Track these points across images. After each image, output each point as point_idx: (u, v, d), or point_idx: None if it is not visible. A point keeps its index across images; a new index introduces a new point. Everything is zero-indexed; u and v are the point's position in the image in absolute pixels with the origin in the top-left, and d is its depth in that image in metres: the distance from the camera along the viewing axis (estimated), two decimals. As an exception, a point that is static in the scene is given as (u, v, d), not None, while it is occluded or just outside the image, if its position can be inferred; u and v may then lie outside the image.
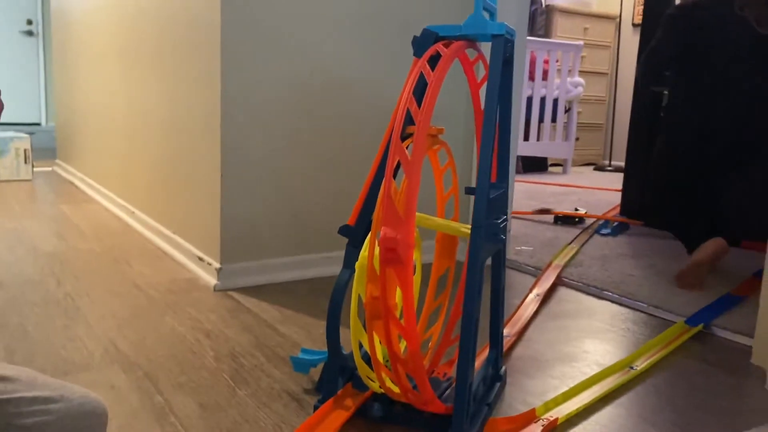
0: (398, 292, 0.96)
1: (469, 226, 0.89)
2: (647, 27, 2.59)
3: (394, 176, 0.90)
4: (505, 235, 1.02)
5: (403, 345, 0.93)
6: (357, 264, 0.94)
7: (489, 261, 1.01)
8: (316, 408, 0.97)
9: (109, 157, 2.68)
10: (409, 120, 0.95)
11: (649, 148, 2.59)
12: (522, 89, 4.43)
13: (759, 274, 1.85)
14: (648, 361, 1.21)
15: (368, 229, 0.99)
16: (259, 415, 0.98)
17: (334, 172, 1.75)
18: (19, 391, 0.72)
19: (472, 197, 1.00)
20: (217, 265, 1.61)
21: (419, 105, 0.83)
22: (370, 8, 1.74)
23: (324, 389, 1.00)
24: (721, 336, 1.39)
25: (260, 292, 1.58)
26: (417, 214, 1.00)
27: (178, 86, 1.85)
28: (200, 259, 1.70)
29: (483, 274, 0.90)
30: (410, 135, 0.97)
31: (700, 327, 1.39)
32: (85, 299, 1.49)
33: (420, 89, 0.90)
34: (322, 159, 1.73)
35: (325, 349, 1.08)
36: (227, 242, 1.61)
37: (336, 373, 1.00)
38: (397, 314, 0.84)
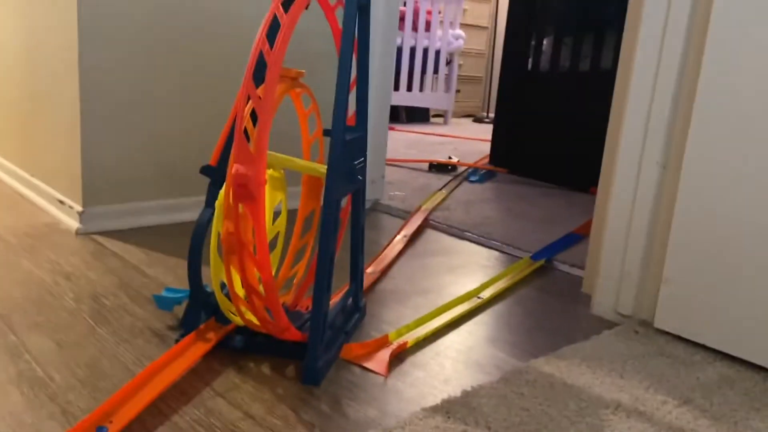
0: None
1: (322, 168, 0.94)
2: (517, -16, 2.72)
3: (253, 118, 0.93)
4: (363, 176, 1.09)
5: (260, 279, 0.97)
6: (216, 203, 0.96)
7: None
8: (177, 342, 1.00)
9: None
10: (264, 62, 0.97)
11: (516, 99, 2.77)
12: (400, 41, 4.47)
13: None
14: (493, 291, 1.35)
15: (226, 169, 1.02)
16: (119, 351, 0.99)
17: (201, 114, 1.73)
18: None
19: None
20: (79, 208, 1.56)
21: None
22: (241, -54, 1.70)
23: (187, 324, 1.03)
24: (560, 269, 1.57)
25: (126, 236, 1.56)
26: (280, 155, 1.03)
27: (33, 11, 1.72)
28: (61, 202, 1.64)
29: (338, 212, 0.95)
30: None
31: (542, 262, 1.56)
32: (-71, 244, 1.39)
33: (275, 31, 0.92)
34: (187, 100, 1.69)
35: (182, 288, 1.11)
36: (89, 185, 1.55)
37: (198, 308, 1.03)
38: (253, 249, 0.88)
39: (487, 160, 3.01)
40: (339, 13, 1.03)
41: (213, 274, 0.96)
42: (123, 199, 1.61)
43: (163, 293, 1.13)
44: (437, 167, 2.79)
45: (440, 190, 2.34)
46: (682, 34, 1.12)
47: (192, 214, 1.72)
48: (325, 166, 0.98)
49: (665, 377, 0.99)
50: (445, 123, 4.94)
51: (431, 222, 1.92)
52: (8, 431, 0.77)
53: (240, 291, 0.97)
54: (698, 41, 1.10)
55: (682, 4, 1.12)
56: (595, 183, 2.54)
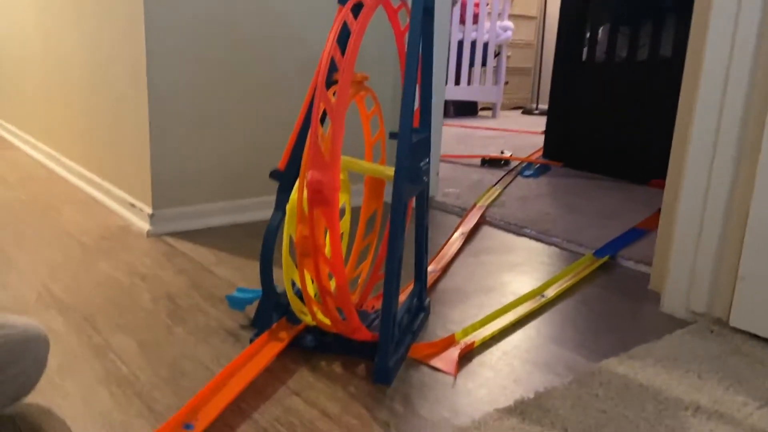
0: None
1: (393, 169, 0.95)
2: (571, -27, 2.67)
3: (322, 122, 0.95)
4: (427, 177, 1.09)
5: (332, 280, 0.99)
6: (288, 206, 0.99)
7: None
8: (251, 341, 1.03)
9: (29, 102, 2.57)
10: (333, 68, 0.99)
11: (571, 90, 2.72)
12: (449, 36, 4.46)
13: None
14: (557, 290, 1.33)
15: (297, 173, 1.04)
16: (197, 350, 1.03)
17: (264, 118, 1.77)
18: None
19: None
20: (149, 210, 1.62)
21: (344, 53, 0.86)
22: (297, -50, 1.73)
23: (259, 324, 1.06)
24: (625, 266, 1.54)
25: (193, 237, 1.61)
26: (345, 158, 1.05)
27: (101, 26, 1.79)
28: (132, 205, 1.70)
29: (406, 213, 0.96)
30: (335, 82, 1.01)
31: (606, 258, 1.53)
32: (15, 248, 1.47)
33: (344, 37, 0.93)
34: (252, 104, 1.73)
35: (260, 287, 1.14)
36: (159, 188, 1.61)
37: (270, 308, 1.06)
38: (326, 252, 0.90)
39: (540, 153, 2.96)
40: (400, 16, 1.03)
41: (285, 276, 0.98)
42: (189, 202, 1.67)
43: (235, 293, 1.16)
44: (490, 162, 2.77)
45: (494, 185, 2.33)
46: (756, 19, 1.08)
47: (253, 215, 1.76)
48: (392, 169, 1.00)
49: (744, 377, 0.97)
50: (494, 116, 4.89)
51: (487, 219, 1.91)
52: (100, 430, 0.82)
53: (311, 292, 0.99)
54: (774, 30, 1.06)
55: (755, -9, 1.08)
56: (655, 175, 2.49)
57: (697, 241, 1.19)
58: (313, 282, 1.02)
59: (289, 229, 0.97)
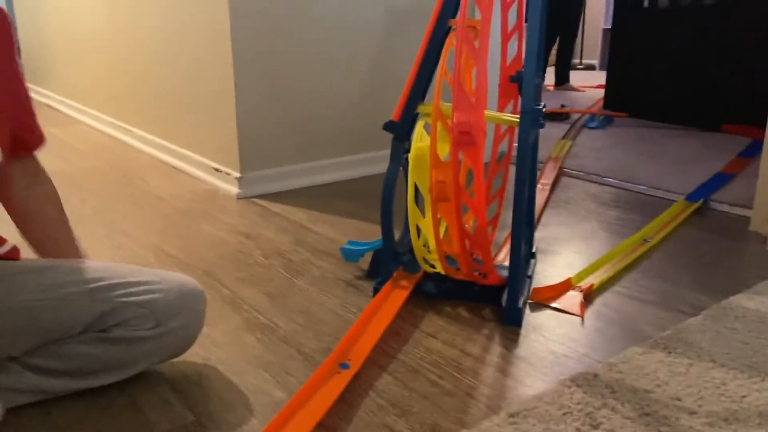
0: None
1: (515, 116, 0.96)
2: None
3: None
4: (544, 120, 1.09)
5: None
6: (411, 155, 1.00)
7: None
8: (376, 290, 1.05)
9: (93, 76, 2.60)
10: (448, 15, 0.99)
11: (632, 39, 2.66)
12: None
13: (744, 154, 1.99)
14: (659, 234, 1.33)
15: (413, 123, 1.05)
16: (322, 299, 1.06)
17: (342, 79, 1.77)
18: (126, 276, 0.79)
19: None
20: (236, 174, 1.65)
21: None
22: None
23: (382, 272, 1.08)
24: (719, 209, 1.52)
25: (282, 198, 1.64)
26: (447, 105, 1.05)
27: (184, 8, 1.80)
28: (217, 170, 1.73)
29: (535, 158, 0.96)
30: (450, 29, 1.01)
31: (700, 202, 1.52)
32: (115, 213, 1.52)
33: (470, -21, 0.92)
34: (332, 66, 1.73)
35: (366, 240, 1.17)
36: (245, 152, 1.64)
37: (391, 257, 1.08)
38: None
39: (600, 105, 2.91)
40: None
41: (411, 224, 1.00)
42: (273, 164, 1.69)
43: (348, 246, 1.19)
44: (550, 116, 2.73)
45: (563, 138, 2.30)
46: None
47: (329, 177, 1.77)
48: (514, 116, 0.99)
49: None
50: (538, 72, 4.80)
51: (565, 170, 1.89)
52: (258, 370, 0.85)
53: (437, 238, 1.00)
54: None
55: None
56: (727, 120, 2.43)
57: (810, 178, 1.17)
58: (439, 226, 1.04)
59: (414, 177, 0.98)
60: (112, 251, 1.27)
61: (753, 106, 2.08)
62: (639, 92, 2.67)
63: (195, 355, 0.88)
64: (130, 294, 0.78)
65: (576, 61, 5.40)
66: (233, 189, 1.66)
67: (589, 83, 3.84)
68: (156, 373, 0.83)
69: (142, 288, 0.79)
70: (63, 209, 0.90)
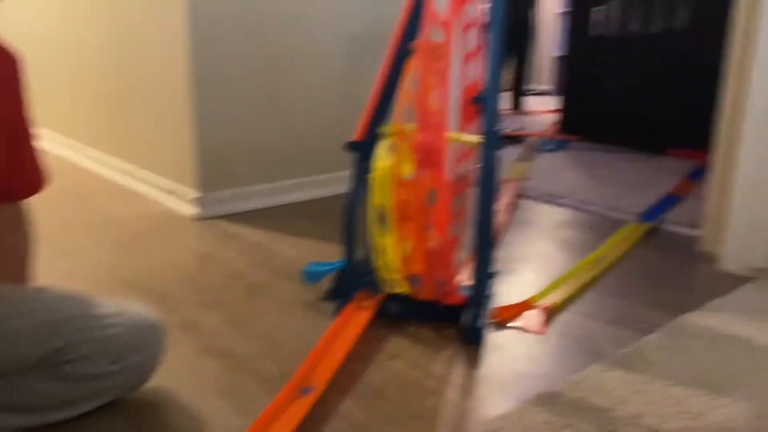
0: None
1: (475, 137, 0.97)
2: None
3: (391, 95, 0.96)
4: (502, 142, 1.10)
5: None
6: (374, 175, 0.99)
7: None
8: (338, 311, 1.04)
9: (43, 94, 2.53)
10: (409, 38, 1.00)
11: (585, 66, 2.75)
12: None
13: (691, 176, 2.06)
14: (614, 254, 1.36)
15: (374, 143, 1.05)
16: (283, 322, 1.04)
17: (304, 100, 1.76)
18: (85, 309, 0.76)
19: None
20: (193, 194, 1.61)
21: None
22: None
23: (342, 294, 1.07)
24: (670, 230, 1.57)
25: (241, 219, 1.61)
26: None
27: (131, 8, 1.77)
28: (172, 191, 1.69)
29: (497, 180, 0.97)
30: (412, 52, 1.02)
31: (653, 223, 1.56)
32: (66, 235, 1.47)
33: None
34: (294, 87, 1.73)
35: (328, 261, 1.16)
36: (203, 172, 1.61)
37: (353, 278, 1.07)
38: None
39: (554, 129, 2.99)
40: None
41: (375, 245, 0.99)
42: (231, 185, 1.66)
43: (309, 267, 1.17)
44: (507, 139, 2.79)
45: (518, 160, 2.35)
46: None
47: (290, 197, 1.76)
48: (475, 136, 1.01)
49: (820, 325, 1.00)
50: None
51: (522, 192, 1.93)
52: (218, 396, 0.83)
53: (399, 258, 1.00)
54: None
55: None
56: (672, 145, 2.52)
57: (753, 202, 1.22)
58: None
59: (377, 198, 0.98)
60: (65, 276, 1.22)
61: (694, 131, 2.17)
62: (591, 116, 2.76)
63: (152, 381, 0.84)
64: (89, 328, 0.75)
65: (530, 86, 5.55)
66: (190, 209, 1.62)
67: (543, 108, 3.94)
68: (112, 403, 0.80)
69: (100, 323, 0.76)
70: (27, 262, 0.83)
